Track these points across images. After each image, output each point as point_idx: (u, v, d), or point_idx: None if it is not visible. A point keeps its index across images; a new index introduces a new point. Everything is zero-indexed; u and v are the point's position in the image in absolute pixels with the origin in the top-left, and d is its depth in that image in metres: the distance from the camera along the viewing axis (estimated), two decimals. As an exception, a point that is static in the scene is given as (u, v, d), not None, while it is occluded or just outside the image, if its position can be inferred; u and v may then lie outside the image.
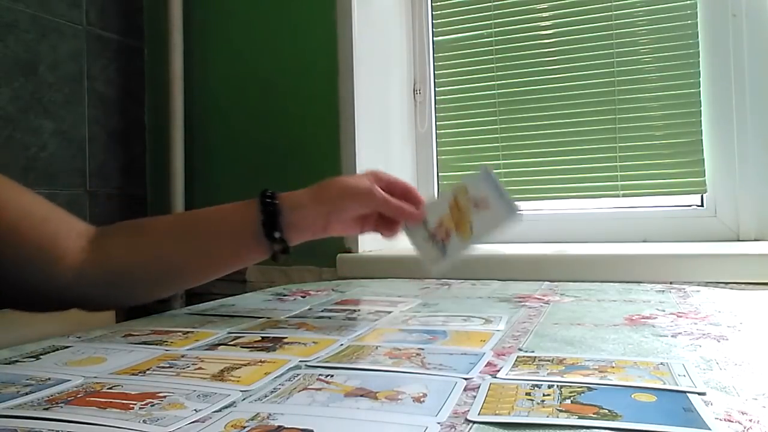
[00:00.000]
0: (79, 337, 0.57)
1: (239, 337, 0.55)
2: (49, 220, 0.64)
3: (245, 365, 0.45)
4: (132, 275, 0.64)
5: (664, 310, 0.65)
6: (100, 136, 1.27)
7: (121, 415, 0.35)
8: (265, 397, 0.38)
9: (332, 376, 0.42)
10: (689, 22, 1.15)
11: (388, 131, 1.30)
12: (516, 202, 0.64)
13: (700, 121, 1.14)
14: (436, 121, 1.36)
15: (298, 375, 0.42)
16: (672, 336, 0.53)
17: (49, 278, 0.62)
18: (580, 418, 0.33)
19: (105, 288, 0.63)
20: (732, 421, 0.32)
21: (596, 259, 0.99)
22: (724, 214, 1.12)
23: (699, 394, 0.37)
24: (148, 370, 0.44)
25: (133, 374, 0.43)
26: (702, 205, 1.15)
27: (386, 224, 0.69)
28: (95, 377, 0.43)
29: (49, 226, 0.63)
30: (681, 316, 0.62)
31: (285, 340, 0.53)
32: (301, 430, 0.32)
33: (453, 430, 0.32)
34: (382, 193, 0.65)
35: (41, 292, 0.63)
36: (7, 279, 0.61)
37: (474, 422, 0.33)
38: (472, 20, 1.31)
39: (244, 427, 0.33)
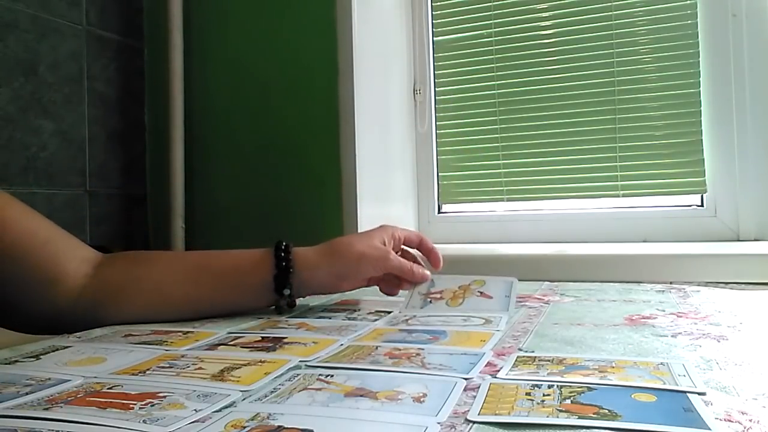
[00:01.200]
0: (79, 337, 0.57)
1: (239, 337, 0.55)
2: (52, 242, 0.64)
3: (245, 365, 0.45)
4: (128, 305, 0.63)
5: (664, 310, 0.65)
6: (100, 136, 1.27)
7: (121, 415, 0.35)
8: (265, 397, 0.38)
9: (332, 376, 0.42)
10: (689, 22, 1.15)
11: (388, 131, 1.30)
12: (515, 308, 0.67)
13: (700, 121, 1.14)
14: (436, 121, 1.36)
15: (298, 375, 0.42)
16: (672, 336, 0.53)
17: (46, 300, 0.62)
18: (580, 418, 0.33)
19: (98, 312, 0.62)
20: (732, 421, 0.32)
21: (596, 259, 0.99)
22: (724, 214, 1.12)
23: (699, 394, 0.37)
24: (148, 370, 0.44)
25: (133, 374, 0.43)
26: (702, 205, 1.15)
27: (390, 284, 0.72)
28: (95, 377, 0.43)
29: (50, 247, 0.63)
30: (681, 316, 0.62)
31: (285, 340, 0.53)
32: (301, 430, 0.32)
33: (453, 430, 0.32)
34: (397, 258, 0.69)
35: (37, 314, 0.63)
36: (5, 298, 0.61)
37: (474, 422, 0.33)
38: (472, 20, 1.31)
39: (244, 427, 0.33)
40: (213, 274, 0.66)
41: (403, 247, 0.75)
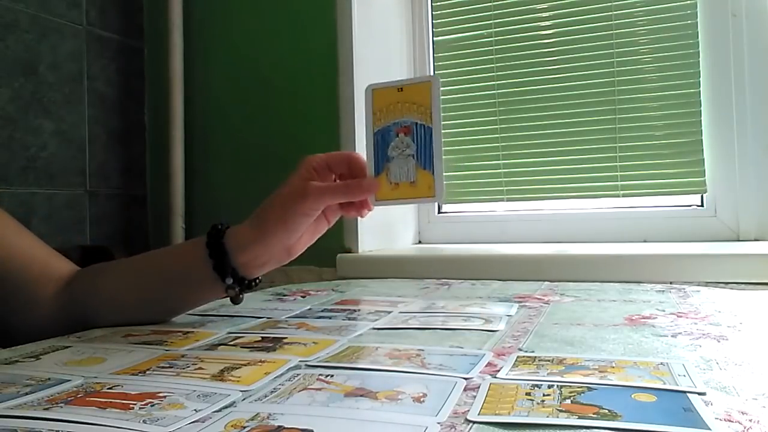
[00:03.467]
0: (79, 337, 0.57)
1: (239, 337, 0.55)
2: (33, 264, 0.64)
3: (245, 365, 0.45)
4: (93, 318, 0.63)
5: (664, 310, 0.65)
6: (100, 136, 1.27)
7: (121, 415, 0.35)
8: (265, 397, 0.38)
9: (332, 376, 0.42)
10: (689, 22, 1.15)
11: (388, 131, 1.30)
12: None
13: (700, 121, 1.14)
14: (436, 121, 1.36)
15: (298, 375, 0.42)
16: (672, 336, 0.53)
17: (23, 321, 0.63)
18: (580, 418, 0.33)
19: (72, 329, 0.61)
20: (732, 421, 0.32)
21: (596, 259, 0.99)
22: (724, 214, 1.12)
23: (699, 394, 0.37)
24: (148, 370, 0.44)
25: (133, 374, 0.43)
26: (702, 205, 1.15)
27: (347, 205, 0.61)
28: (95, 377, 0.43)
29: (32, 270, 0.63)
30: (681, 316, 0.62)
31: (285, 340, 0.53)
32: (301, 430, 0.32)
33: (453, 430, 0.32)
34: (317, 184, 0.58)
35: (15, 333, 0.63)
36: None
37: (474, 422, 0.33)
38: (472, 20, 1.32)
39: (244, 427, 0.33)
40: (157, 276, 0.64)
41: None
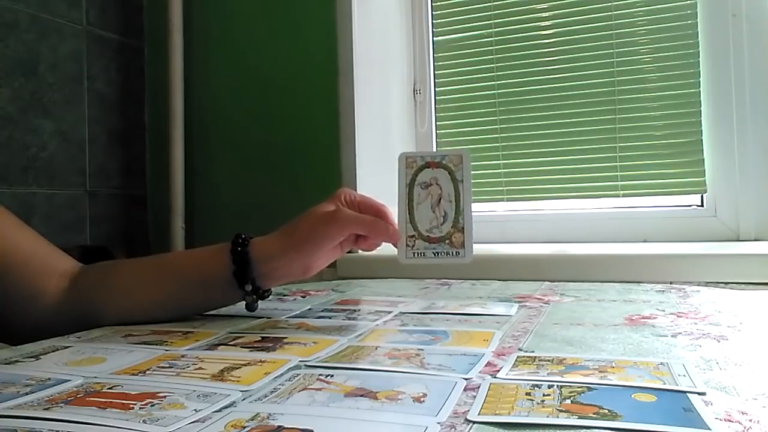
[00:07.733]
0: (79, 337, 0.57)
1: (239, 337, 0.55)
2: (34, 259, 0.64)
3: (245, 365, 0.45)
4: (102, 314, 0.63)
5: (664, 310, 0.65)
6: (100, 136, 1.27)
7: (121, 415, 0.35)
8: (265, 397, 0.38)
9: (332, 376, 0.42)
10: (689, 22, 1.15)
11: (388, 131, 1.30)
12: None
13: (700, 121, 1.14)
14: (436, 121, 1.36)
15: (298, 375, 0.42)
16: (672, 336, 0.53)
17: (25, 314, 0.63)
18: (580, 418, 0.33)
19: (77, 326, 0.62)
20: (732, 421, 0.32)
21: (596, 259, 0.99)
22: (724, 214, 1.12)
23: (699, 394, 0.37)
24: (148, 370, 0.44)
25: (133, 374, 0.43)
26: (702, 205, 1.15)
27: (363, 239, 0.65)
28: (95, 377, 0.43)
29: (32, 265, 0.64)
30: (681, 316, 0.62)
31: (285, 340, 0.53)
32: (301, 430, 0.32)
33: (453, 430, 0.32)
34: (347, 212, 0.62)
35: (18, 328, 0.63)
36: None
37: (474, 422, 0.33)
38: (472, 20, 1.31)
39: (244, 427, 0.33)
40: (175, 275, 0.65)
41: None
